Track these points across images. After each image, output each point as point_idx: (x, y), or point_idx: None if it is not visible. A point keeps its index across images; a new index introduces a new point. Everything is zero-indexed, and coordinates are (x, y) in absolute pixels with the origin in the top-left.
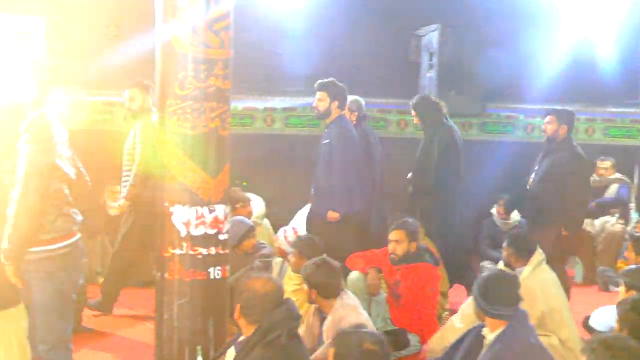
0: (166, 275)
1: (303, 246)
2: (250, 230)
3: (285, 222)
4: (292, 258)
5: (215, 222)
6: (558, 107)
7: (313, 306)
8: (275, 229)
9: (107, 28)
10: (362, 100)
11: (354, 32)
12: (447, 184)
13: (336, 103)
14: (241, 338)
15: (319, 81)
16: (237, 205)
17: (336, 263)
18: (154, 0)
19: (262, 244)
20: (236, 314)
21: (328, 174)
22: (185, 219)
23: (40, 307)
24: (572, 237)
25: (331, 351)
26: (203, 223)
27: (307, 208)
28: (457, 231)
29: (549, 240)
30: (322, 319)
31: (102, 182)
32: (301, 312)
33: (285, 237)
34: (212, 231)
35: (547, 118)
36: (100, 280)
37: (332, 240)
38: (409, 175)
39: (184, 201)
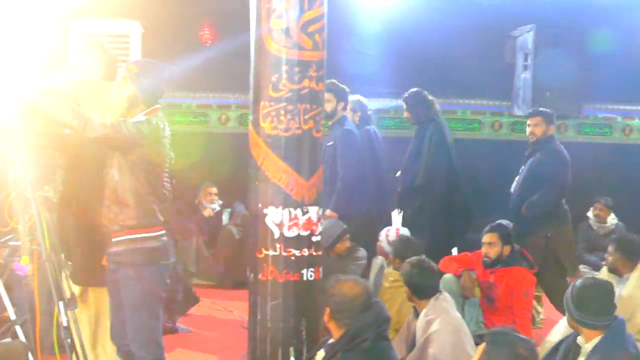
0: (260, 276)
1: (398, 247)
2: (344, 233)
3: None
4: (391, 257)
5: (309, 223)
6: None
7: (411, 304)
8: None
9: (202, 31)
10: (366, 101)
11: (448, 34)
12: (435, 182)
13: (342, 104)
14: (331, 340)
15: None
16: None
17: (433, 264)
18: (248, 3)
19: (356, 246)
20: (326, 318)
21: (334, 176)
22: (278, 220)
23: (131, 307)
24: (562, 241)
25: (481, 347)
26: (296, 225)
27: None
28: (446, 231)
29: (539, 245)
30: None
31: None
32: (394, 310)
33: (387, 236)
34: (305, 233)
35: (533, 120)
36: (194, 281)
37: None
38: (398, 173)
39: (277, 203)
